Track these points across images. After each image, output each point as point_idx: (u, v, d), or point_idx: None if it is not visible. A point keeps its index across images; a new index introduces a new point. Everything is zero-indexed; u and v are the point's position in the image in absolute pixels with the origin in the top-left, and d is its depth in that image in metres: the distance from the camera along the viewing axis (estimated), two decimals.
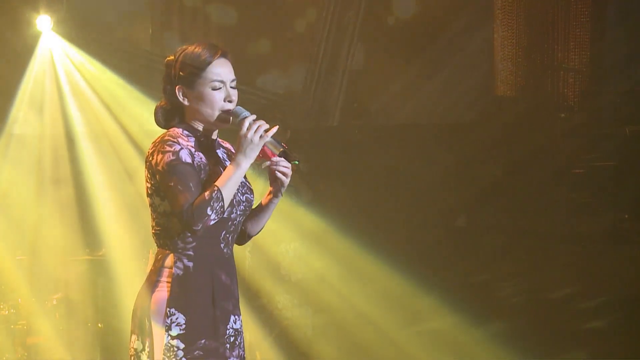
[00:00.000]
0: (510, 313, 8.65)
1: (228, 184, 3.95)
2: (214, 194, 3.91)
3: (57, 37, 9.51)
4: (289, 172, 4.11)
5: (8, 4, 9.37)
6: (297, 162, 4.09)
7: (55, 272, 9.08)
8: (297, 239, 8.60)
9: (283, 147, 4.06)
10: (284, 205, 8.53)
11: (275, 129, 4.03)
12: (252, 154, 3.98)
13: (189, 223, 3.89)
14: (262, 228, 4.30)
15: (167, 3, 9.42)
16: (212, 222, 3.93)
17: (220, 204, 3.92)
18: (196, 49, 4.09)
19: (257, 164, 4.09)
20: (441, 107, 9.45)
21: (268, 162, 4.10)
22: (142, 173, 8.68)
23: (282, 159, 4.08)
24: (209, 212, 3.90)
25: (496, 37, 9.40)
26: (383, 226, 9.18)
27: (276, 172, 4.10)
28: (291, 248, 8.66)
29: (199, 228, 3.90)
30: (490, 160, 9.11)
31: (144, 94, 9.29)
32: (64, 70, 9.57)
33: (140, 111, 9.25)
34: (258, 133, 3.98)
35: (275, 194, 4.18)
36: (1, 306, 8.76)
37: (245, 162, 3.97)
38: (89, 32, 9.51)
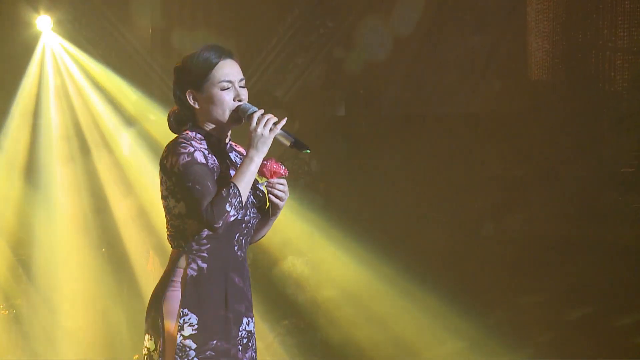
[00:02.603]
0: (543, 328, 8.11)
1: (243, 180, 4.03)
2: (231, 190, 3.99)
3: (57, 37, 9.53)
4: (284, 195, 4.19)
5: (8, 4, 9.38)
6: (308, 151, 4.14)
7: (56, 272, 9.10)
8: (304, 252, 8.51)
9: (294, 138, 4.11)
10: (289, 213, 8.49)
11: (284, 121, 4.10)
12: (264, 148, 4.06)
13: (209, 221, 3.97)
14: (263, 236, 4.37)
15: (167, 3, 9.43)
16: (232, 219, 4.01)
17: (238, 200, 4.01)
18: (202, 53, 4.16)
19: (255, 184, 4.12)
20: (462, 94, 8.36)
21: (266, 183, 4.17)
22: (142, 172, 8.66)
23: (279, 181, 4.15)
24: (227, 208, 3.98)
25: (529, 11, 8.11)
26: (391, 232, 8.66)
27: (270, 195, 4.18)
28: (298, 262, 8.61)
29: (220, 225, 3.98)
30: (520, 157, 8.17)
31: (144, 93, 9.32)
32: (64, 70, 9.58)
33: (140, 110, 9.27)
34: (267, 126, 4.06)
35: (272, 212, 4.25)
36: (1, 306, 8.78)
37: (258, 157, 4.06)
38: (89, 32, 9.53)
